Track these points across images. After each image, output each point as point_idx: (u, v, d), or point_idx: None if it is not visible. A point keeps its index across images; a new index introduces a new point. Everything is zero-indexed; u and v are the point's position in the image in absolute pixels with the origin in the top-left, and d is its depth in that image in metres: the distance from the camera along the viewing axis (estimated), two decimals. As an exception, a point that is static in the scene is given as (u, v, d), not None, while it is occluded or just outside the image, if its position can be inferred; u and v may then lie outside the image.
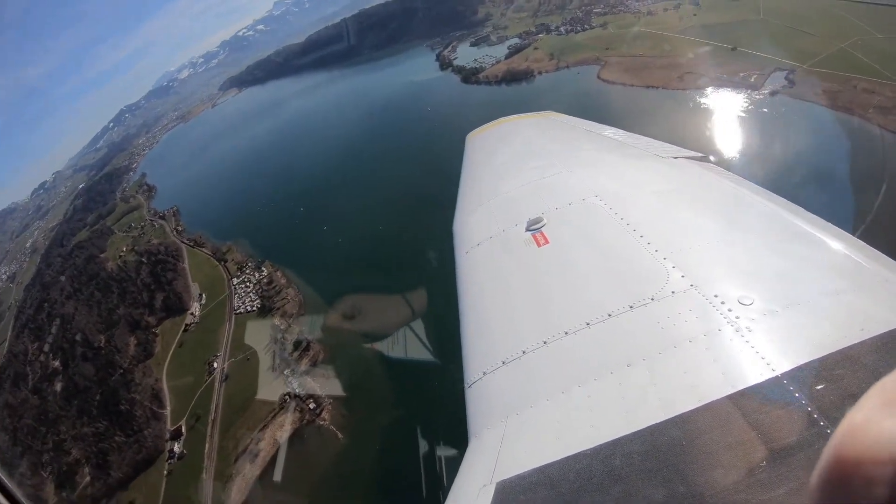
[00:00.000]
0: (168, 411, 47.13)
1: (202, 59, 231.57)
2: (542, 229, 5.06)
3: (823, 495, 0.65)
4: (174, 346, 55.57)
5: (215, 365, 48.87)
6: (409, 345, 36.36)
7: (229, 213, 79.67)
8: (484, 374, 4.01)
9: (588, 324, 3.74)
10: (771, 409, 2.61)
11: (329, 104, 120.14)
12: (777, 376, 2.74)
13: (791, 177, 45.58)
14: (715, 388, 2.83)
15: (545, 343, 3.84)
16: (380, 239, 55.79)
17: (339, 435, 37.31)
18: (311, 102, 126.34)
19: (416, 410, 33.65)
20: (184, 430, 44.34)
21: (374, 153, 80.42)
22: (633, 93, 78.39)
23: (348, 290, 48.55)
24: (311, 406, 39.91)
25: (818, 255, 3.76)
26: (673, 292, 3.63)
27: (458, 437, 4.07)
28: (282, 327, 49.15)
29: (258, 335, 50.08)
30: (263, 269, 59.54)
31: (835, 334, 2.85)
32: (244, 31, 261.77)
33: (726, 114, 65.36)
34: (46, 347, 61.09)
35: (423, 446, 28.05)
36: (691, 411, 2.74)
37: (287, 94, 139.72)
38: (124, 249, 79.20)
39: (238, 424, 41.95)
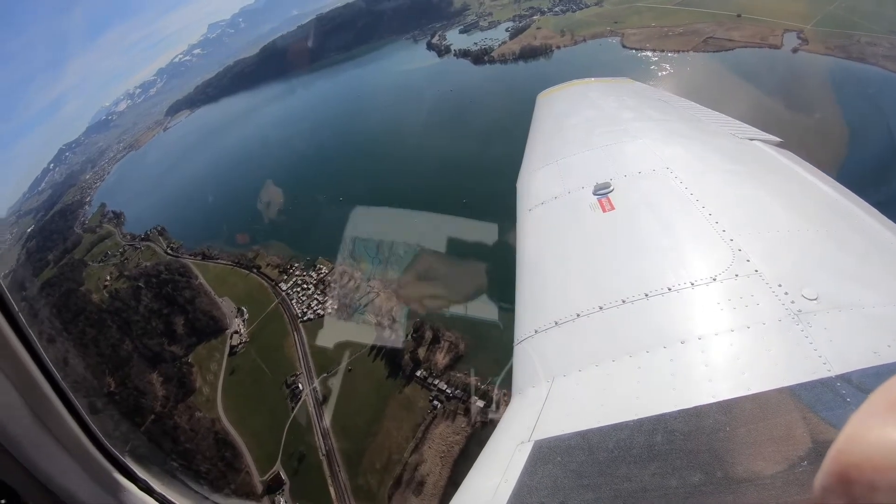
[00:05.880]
0: (249, 457, 34.16)
1: (140, 90, 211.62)
2: (609, 195, 4.69)
3: (826, 500, 0.64)
4: (222, 374, 42.41)
5: (300, 386, 36.42)
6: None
7: (238, 220, 66.86)
8: (535, 332, 3.78)
9: (647, 295, 3.45)
10: (820, 408, 2.46)
11: (316, 102, 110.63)
12: (831, 377, 2.55)
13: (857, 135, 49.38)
14: (767, 378, 2.66)
15: (601, 308, 3.56)
16: (464, 210, 45.30)
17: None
18: (296, 103, 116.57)
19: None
20: (284, 476, 31.75)
21: (405, 134, 72.41)
22: (665, 58, 79.00)
23: (444, 267, 38.51)
24: (480, 404, 28.88)
25: (891, 260, 3.45)
26: (736, 275, 3.33)
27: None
28: (385, 324, 37.35)
29: (347, 339, 38.16)
30: (321, 266, 47.51)
31: None
32: (180, 56, 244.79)
33: (766, 72, 66.41)
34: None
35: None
36: (739, 398, 2.59)
37: (258, 102, 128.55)
38: (108, 279, 64.68)
39: (370, 453, 30.05)
